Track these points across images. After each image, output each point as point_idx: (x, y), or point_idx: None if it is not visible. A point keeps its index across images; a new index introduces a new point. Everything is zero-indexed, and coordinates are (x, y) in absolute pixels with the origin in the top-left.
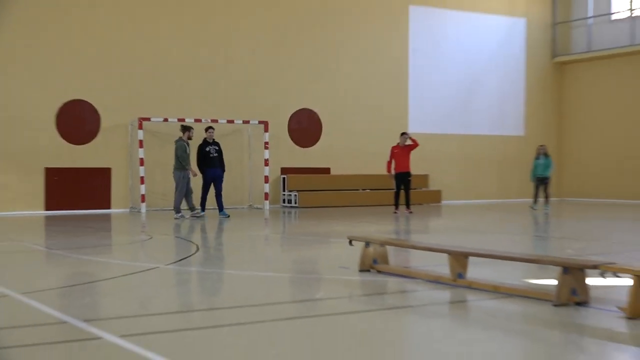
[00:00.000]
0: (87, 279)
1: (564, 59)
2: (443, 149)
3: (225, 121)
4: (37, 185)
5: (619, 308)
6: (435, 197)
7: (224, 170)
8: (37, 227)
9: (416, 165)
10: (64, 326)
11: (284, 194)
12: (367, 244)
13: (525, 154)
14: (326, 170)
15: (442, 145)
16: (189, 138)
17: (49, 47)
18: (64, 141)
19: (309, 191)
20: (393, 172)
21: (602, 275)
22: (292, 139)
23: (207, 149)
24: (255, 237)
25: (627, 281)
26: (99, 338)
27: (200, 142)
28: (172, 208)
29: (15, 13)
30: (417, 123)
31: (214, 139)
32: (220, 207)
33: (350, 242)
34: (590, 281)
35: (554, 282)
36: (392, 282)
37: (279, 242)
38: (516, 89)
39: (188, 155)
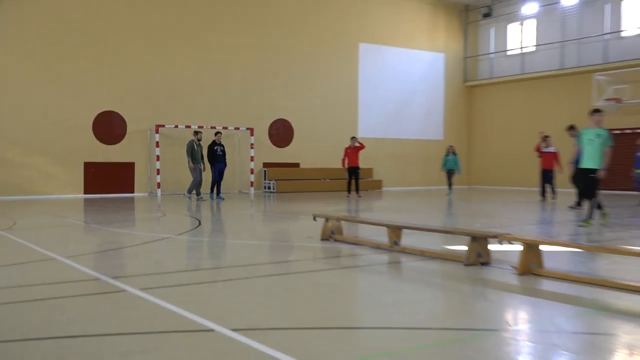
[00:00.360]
0: (115, 246)
1: (472, 84)
2: (383, 149)
3: (221, 127)
4: (78, 175)
5: (512, 267)
6: (378, 184)
7: (226, 165)
8: (77, 207)
9: (364, 161)
10: (97, 282)
11: (265, 182)
12: (327, 219)
13: (443, 153)
14: (297, 165)
15: (382, 146)
16: (199, 140)
17: (88, 69)
18: (98, 142)
19: (284, 180)
20: (346, 166)
21: (500, 242)
22: (271, 141)
23: (215, 148)
24: (243, 215)
25: (518, 247)
26: (124, 291)
27: (210, 142)
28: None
29: (64, 38)
30: (364, 129)
31: (220, 141)
32: (219, 192)
33: (314, 218)
34: (491, 247)
35: (465, 247)
36: (345, 248)
37: (261, 218)
38: (437, 105)
39: (196, 153)
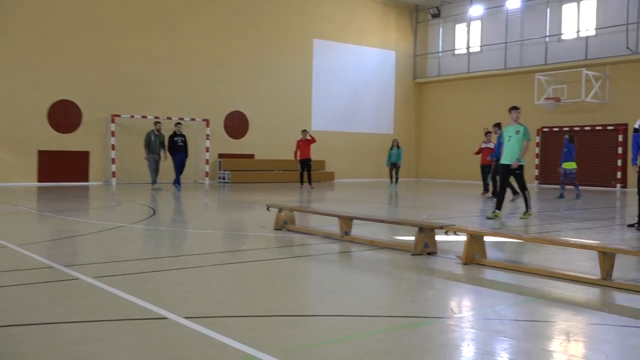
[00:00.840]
0: (68, 234)
1: (421, 81)
2: (336, 142)
3: (177, 118)
4: (32, 163)
5: (457, 257)
6: (330, 176)
7: (186, 156)
8: (30, 195)
9: (317, 153)
10: (50, 270)
11: (220, 173)
12: (280, 209)
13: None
14: (251, 156)
15: (335, 139)
16: (158, 130)
17: (44, 57)
18: (53, 130)
19: (238, 171)
20: (298, 158)
21: (446, 233)
22: (226, 133)
23: (175, 139)
24: (198, 204)
25: (463, 238)
26: (76, 279)
27: (171, 133)
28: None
29: (18, 27)
30: (318, 123)
31: (181, 132)
32: (177, 181)
33: (267, 208)
34: (437, 237)
35: (412, 238)
36: (297, 238)
37: (216, 208)
38: (388, 101)
39: (153, 143)
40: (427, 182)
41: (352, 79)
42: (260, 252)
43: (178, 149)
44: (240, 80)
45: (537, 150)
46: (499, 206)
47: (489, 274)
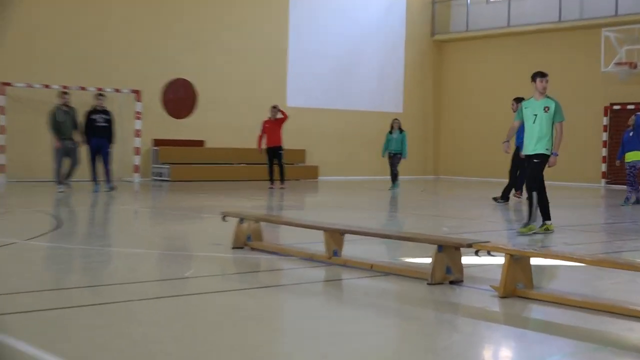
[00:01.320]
0: None
1: (443, 38)
2: (321, 124)
3: (94, 89)
4: None
5: (492, 287)
6: (312, 172)
7: (111, 142)
8: None
9: (293, 139)
10: None
11: (155, 167)
12: (241, 219)
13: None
14: (200, 143)
15: (320, 120)
16: (66, 104)
17: None
18: None
19: (182, 164)
20: (264, 146)
21: (476, 253)
22: (165, 110)
23: (94, 116)
24: (123, 212)
25: (500, 260)
26: None
27: (89, 109)
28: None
29: None
30: (295, 97)
31: (104, 108)
32: (108, 178)
33: (223, 218)
34: (465, 259)
35: (429, 260)
36: (266, 260)
37: (148, 216)
38: (395, 67)
39: (63, 124)
40: (450, 181)
41: (345, 36)
42: (212, 281)
43: (97, 131)
44: (186, 35)
45: (604, 136)
46: (546, 216)
47: (538, 311)
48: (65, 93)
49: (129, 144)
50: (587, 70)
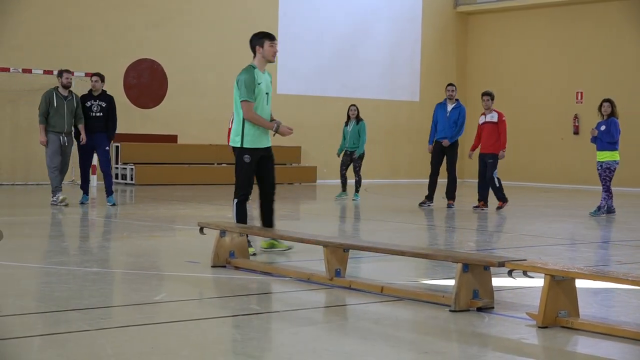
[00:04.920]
0: None
1: (469, 9)
2: (319, 116)
3: (41, 71)
4: None
5: (529, 315)
6: (309, 174)
7: (110, 138)
8: None
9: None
10: None
11: (117, 167)
12: (222, 232)
13: (420, 124)
14: (172, 139)
15: (318, 111)
16: (66, 86)
17: None
18: None
19: (149, 164)
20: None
21: (510, 274)
22: (128, 97)
23: (89, 104)
24: (76, 221)
25: (539, 282)
26: None
27: (85, 93)
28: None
29: None
30: (287, 83)
31: (103, 91)
32: (108, 189)
33: (201, 230)
34: (495, 281)
35: (452, 282)
36: (253, 281)
37: (109, 228)
38: (411, 46)
39: (58, 115)
40: (475, 185)
41: (348, 10)
42: (188, 307)
43: (92, 124)
44: (151, 7)
45: None
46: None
47: (585, 345)
48: (67, 71)
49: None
50: None
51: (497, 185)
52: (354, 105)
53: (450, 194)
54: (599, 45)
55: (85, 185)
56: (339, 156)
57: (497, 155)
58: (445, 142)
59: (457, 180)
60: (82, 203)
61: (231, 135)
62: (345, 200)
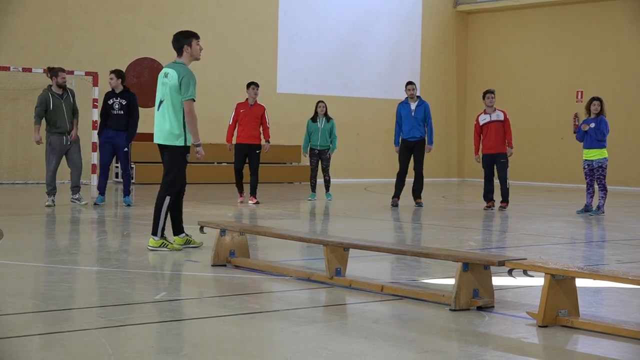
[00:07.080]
0: None
1: (469, 8)
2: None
3: (41, 70)
4: None
5: (529, 314)
6: (307, 174)
7: (131, 136)
8: None
9: (285, 133)
10: None
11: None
12: (223, 231)
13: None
14: None
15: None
16: (59, 85)
17: None
18: None
19: (149, 163)
20: (233, 142)
21: (510, 273)
22: None
23: (110, 101)
24: (77, 221)
25: (539, 281)
26: None
27: (107, 92)
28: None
29: None
30: (288, 82)
31: (125, 87)
32: (125, 189)
33: (201, 229)
34: (496, 280)
35: (452, 281)
36: (253, 280)
37: (110, 227)
38: (411, 45)
39: (58, 114)
40: (478, 185)
41: (349, 8)
42: (188, 306)
43: (112, 122)
44: (152, 6)
45: None
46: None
47: (584, 344)
48: (62, 70)
49: (85, 138)
50: None
51: (508, 186)
52: (322, 101)
53: (418, 192)
54: (599, 45)
55: (102, 186)
56: (305, 155)
57: (507, 154)
58: (429, 148)
59: (425, 178)
60: (96, 204)
61: (168, 135)
62: (316, 201)
